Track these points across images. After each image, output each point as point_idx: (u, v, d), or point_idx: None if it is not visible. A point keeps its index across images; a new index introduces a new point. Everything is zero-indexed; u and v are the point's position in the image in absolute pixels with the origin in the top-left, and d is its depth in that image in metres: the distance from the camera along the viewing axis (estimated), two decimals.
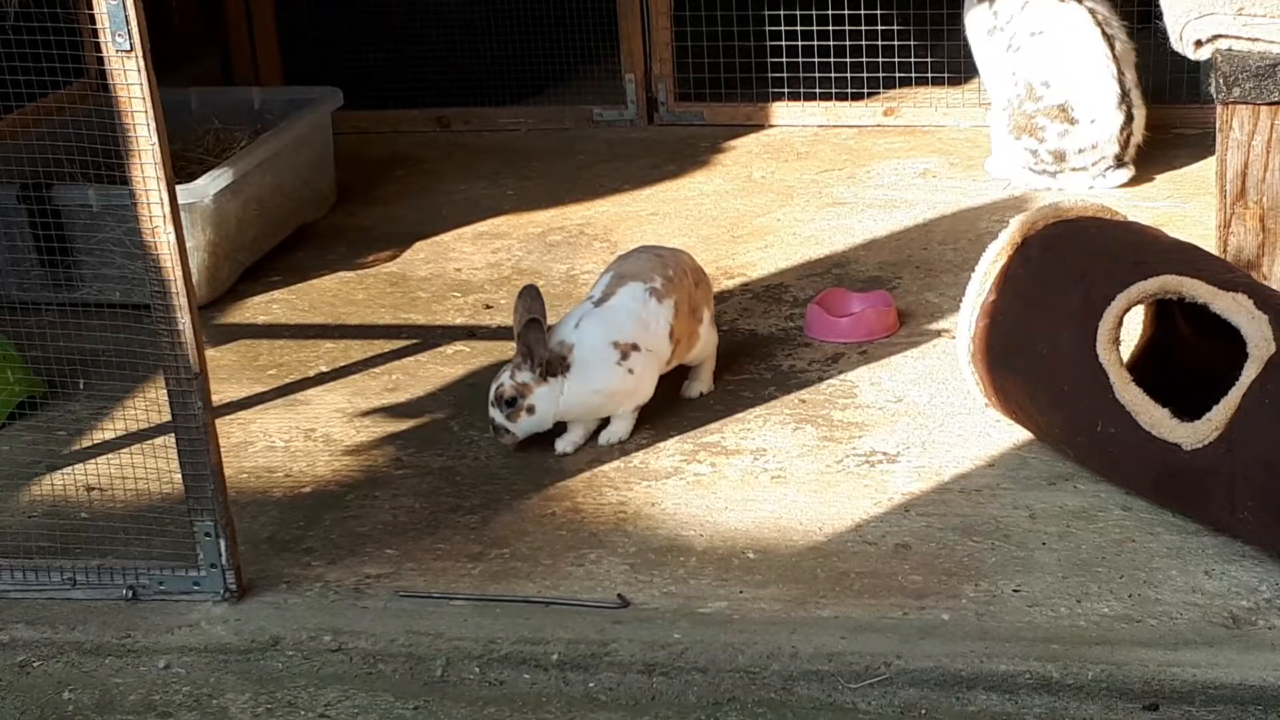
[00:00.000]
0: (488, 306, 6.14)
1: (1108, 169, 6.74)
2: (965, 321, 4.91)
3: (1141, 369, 4.64)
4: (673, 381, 5.25)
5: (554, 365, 4.83)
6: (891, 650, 4.00)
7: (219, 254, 6.17)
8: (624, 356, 4.89)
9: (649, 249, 5.28)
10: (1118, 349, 4.52)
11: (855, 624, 4.12)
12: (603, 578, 4.39)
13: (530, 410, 4.83)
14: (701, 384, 5.25)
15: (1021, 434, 4.91)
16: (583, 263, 6.46)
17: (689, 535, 4.55)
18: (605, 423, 5.01)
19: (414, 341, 5.87)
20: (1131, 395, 4.43)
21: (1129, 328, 4.65)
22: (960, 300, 4.99)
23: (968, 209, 6.70)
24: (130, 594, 4.37)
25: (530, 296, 4.87)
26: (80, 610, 4.35)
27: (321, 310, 6.20)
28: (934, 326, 5.70)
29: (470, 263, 6.55)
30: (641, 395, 4.98)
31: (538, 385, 4.82)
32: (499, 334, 5.89)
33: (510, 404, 4.82)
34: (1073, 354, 4.55)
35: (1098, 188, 6.68)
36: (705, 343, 5.19)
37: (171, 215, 4.04)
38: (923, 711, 3.83)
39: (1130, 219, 5.05)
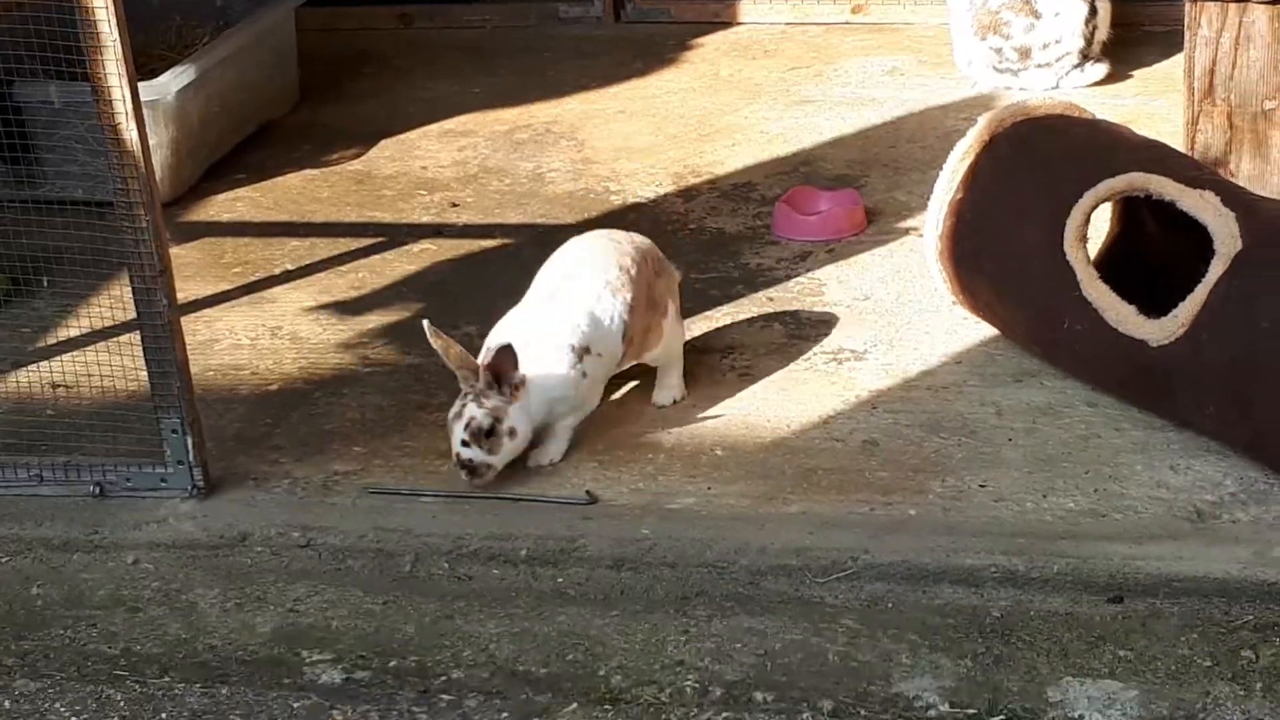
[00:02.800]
0: (454, 205, 6.11)
1: (1074, 66, 6.72)
2: (933, 219, 4.90)
3: (1108, 266, 4.64)
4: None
5: (515, 386, 4.33)
6: (859, 545, 4.03)
7: (182, 151, 6.12)
8: (579, 360, 4.42)
9: (604, 235, 4.76)
10: (1085, 246, 4.52)
11: (822, 520, 4.14)
12: (571, 474, 4.40)
13: (512, 433, 4.31)
14: (672, 390, 4.71)
15: (988, 331, 4.92)
16: (550, 161, 6.43)
17: (657, 432, 4.56)
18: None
19: (380, 239, 5.85)
20: (1098, 292, 4.44)
21: (1096, 225, 4.65)
22: (928, 198, 4.98)
23: (936, 107, 6.68)
24: (97, 490, 4.36)
25: (435, 334, 4.32)
26: (47, 506, 4.35)
27: (286, 208, 6.16)
28: (902, 224, 5.69)
29: (436, 160, 6.51)
30: (588, 405, 4.52)
31: (509, 405, 4.30)
32: (466, 232, 5.88)
33: (489, 434, 4.28)
34: (1040, 251, 4.55)
35: (1063, 86, 6.66)
36: (669, 339, 4.68)
37: (134, 112, 4.00)
38: (889, 605, 3.86)
39: (1098, 117, 5.04)
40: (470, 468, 4.28)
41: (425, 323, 4.29)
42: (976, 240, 4.79)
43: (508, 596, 3.97)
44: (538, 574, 4.04)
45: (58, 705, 3.68)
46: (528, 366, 4.33)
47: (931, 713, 3.52)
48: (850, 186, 5.95)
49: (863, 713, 3.53)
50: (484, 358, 4.32)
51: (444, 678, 3.71)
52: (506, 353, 4.27)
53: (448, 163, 6.48)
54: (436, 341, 4.29)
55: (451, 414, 4.30)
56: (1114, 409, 4.53)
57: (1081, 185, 4.52)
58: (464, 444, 4.27)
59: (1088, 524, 4.07)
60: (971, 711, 3.51)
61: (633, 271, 4.55)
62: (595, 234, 4.77)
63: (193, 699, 3.68)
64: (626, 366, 4.62)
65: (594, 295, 4.48)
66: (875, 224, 5.72)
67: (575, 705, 3.60)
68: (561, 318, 4.44)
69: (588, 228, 5.76)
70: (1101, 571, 3.90)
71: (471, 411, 4.27)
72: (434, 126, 6.83)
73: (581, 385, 4.43)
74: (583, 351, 4.41)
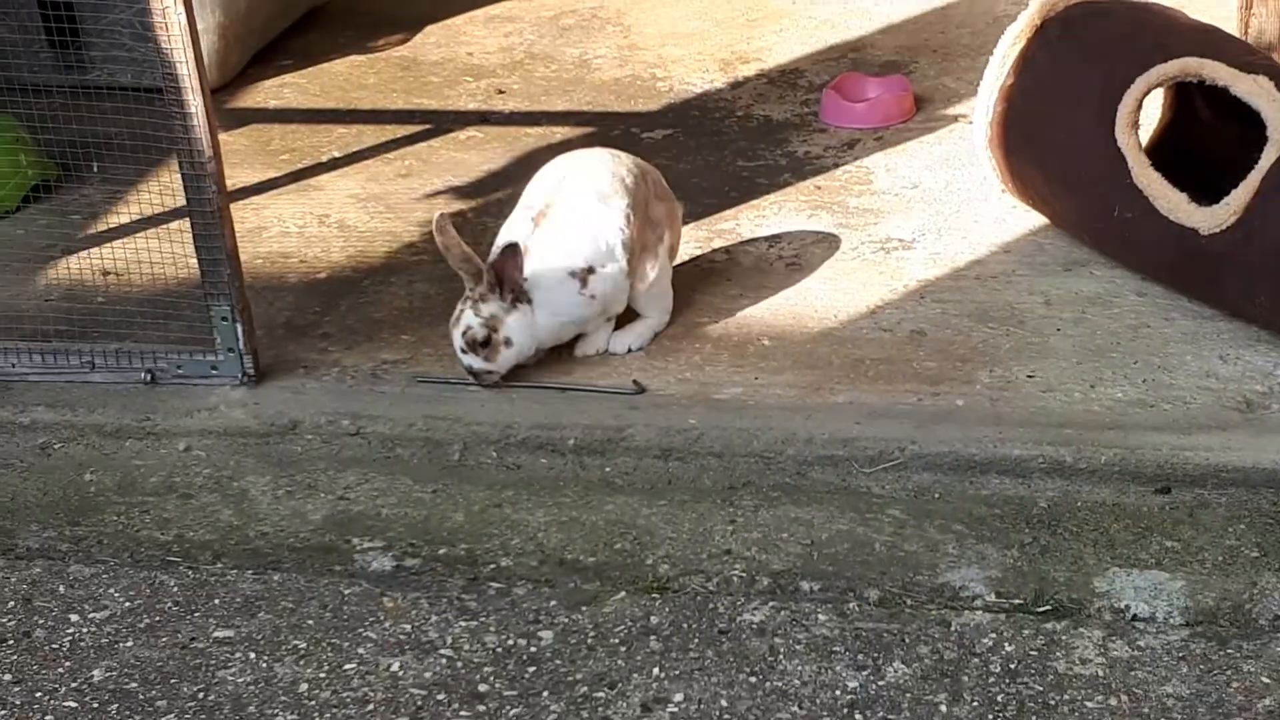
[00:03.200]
0: (500, 91, 6.08)
1: None
2: (983, 106, 4.86)
3: (1160, 153, 4.61)
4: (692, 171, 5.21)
5: (519, 293, 4.28)
6: (905, 435, 4.03)
7: (229, 37, 6.10)
8: (584, 284, 4.31)
9: (601, 150, 4.60)
10: (1136, 133, 4.48)
11: (870, 410, 4.14)
12: (618, 364, 4.41)
13: (508, 343, 4.25)
14: (629, 337, 4.49)
15: (1038, 219, 4.90)
16: (596, 47, 6.39)
17: (704, 322, 4.56)
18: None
19: (426, 126, 5.84)
20: (1149, 179, 4.40)
21: (1148, 111, 4.61)
22: (978, 85, 4.94)
23: None
24: (149, 377, 4.39)
25: (444, 222, 4.25)
26: (99, 394, 4.38)
27: (333, 95, 6.15)
28: (951, 111, 5.65)
29: (482, 46, 6.48)
30: (614, 309, 4.44)
31: (507, 315, 4.25)
32: (512, 119, 5.86)
33: (485, 344, 4.25)
34: (1091, 138, 4.51)
35: None
36: (654, 278, 4.48)
37: None
38: (936, 495, 3.87)
39: (1151, 1, 4.97)
40: (473, 373, 4.30)
41: (436, 215, 4.25)
42: (1027, 127, 4.75)
43: (555, 485, 3.99)
44: (585, 463, 4.06)
45: (111, 590, 3.73)
46: (535, 298, 4.28)
47: (978, 602, 3.54)
48: (899, 73, 5.91)
49: (909, 602, 3.55)
50: (491, 258, 4.28)
51: (492, 566, 3.74)
52: (511, 253, 4.21)
53: (493, 49, 6.45)
54: (441, 237, 4.23)
55: (452, 319, 4.29)
56: (1164, 298, 4.51)
57: (1133, 70, 4.48)
58: (462, 351, 4.28)
59: (1136, 414, 4.06)
60: (1018, 601, 3.53)
61: (628, 181, 4.41)
62: (593, 149, 4.63)
63: (245, 585, 3.72)
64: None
65: (587, 209, 4.35)
66: (924, 111, 5.68)
67: (623, 594, 3.63)
68: (557, 245, 4.32)
69: (635, 115, 5.78)
70: (1149, 462, 3.89)
71: (468, 320, 4.25)
72: (479, 12, 6.80)
73: (593, 305, 4.36)
74: (585, 275, 4.32)
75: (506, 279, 4.23)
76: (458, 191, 5.32)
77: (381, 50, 6.49)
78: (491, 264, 4.23)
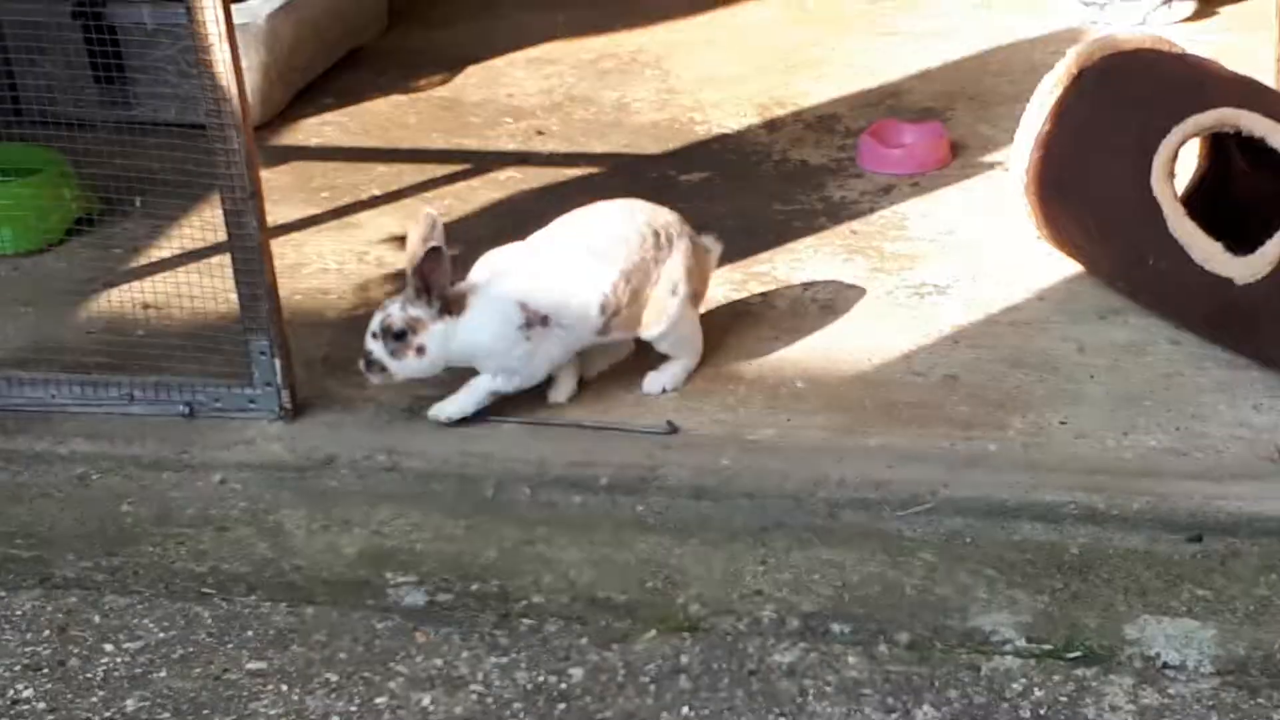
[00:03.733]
0: (540, 132, 6.13)
1: (1161, 2, 6.64)
2: (1019, 153, 4.88)
3: (1195, 203, 4.61)
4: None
5: (451, 303, 4.21)
6: (938, 479, 4.04)
7: (272, 75, 6.16)
8: (527, 324, 4.23)
9: (627, 205, 4.46)
10: (1172, 182, 4.49)
11: (902, 453, 4.15)
12: (652, 404, 4.43)
13: (420, 351, 4.19)
14: (664, 378, 4.46)
15: (1073, 267, 4.91)
16: (635, 90, 6.43)
17: (738, 364, 4.58)
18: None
19: (466, 166, 5.87)
20: (1185, 229, 4.41)
21: (1184, 161, 4.62)
22: (1014, 132, 4.95)
23: (1023, 40, 6.63)
24: (187, 410, 4.43)
25: (428, 224, 4.21)
26: (138, 426, 4.42)
27: (374, 133, 6.20)
28: (987, 159, 5.67)
29: (522, 88, 6.53)
30: (527, 376, 4.32)
31: (433, 323, 4.18)
32: (551, 160, 5.90)
33: (398, 337, 4.18)
34: (1127, 187, 4.53)
35: (1150, 22, 6.58)
36: (679, 323, 4.41)
37: (227, 34, 4.03)
38: (968, 540, 3.87)
39: (1187, 52, 4.99)
40: (367, 360, 4.23)
41: (426, 210, 4.23)
42: (1063, 175, 4.77)
43: (588, 524, 4.01)
44: (618, 502, 4.08)
45: (146, 621, 3.76)
46: (471, 306, 4.22)
47: (1008, 647, 3.54)
48: (935, 119, 5.93)
49: (939, 646, 3.56)
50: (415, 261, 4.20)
51: (524, 602, 3.76)
52: (434, 256, 4.14)
53: (533, 90, 6.49)
54: (414, 227, 4.19)
55: (378, 308, 4.27)
56: (1198, 347, 4.51)
57: (1170, 120, 4.49)
58: (373, 335, 4.22)
59: (1168, 462, 4.07)
60: (1048, 647, 3.53)
61: (636, 243, 4.31)
62: (626, 202, 4.49)
63: (278, 618, 3.74)
64: (611, 339, 4.41)
65: (574, 265, 4.28)
66: (960, 158, 5.70)
67: (653, 632, 3.64)
68: (529, 276, 4.26)
69: (672, 158, 5.82)
70: (1181, 510, 3.90)
71: (392, 309, 4.22)
72: (520, 54, 6.84)
73: (521, 348, 4.25)
74: (536, 318, 4.24)
75: (432, 284, 4.16)
76: (496, 231, 5.34)
77: (423, 90, 6.54)
78: (416, 267, 4.16)
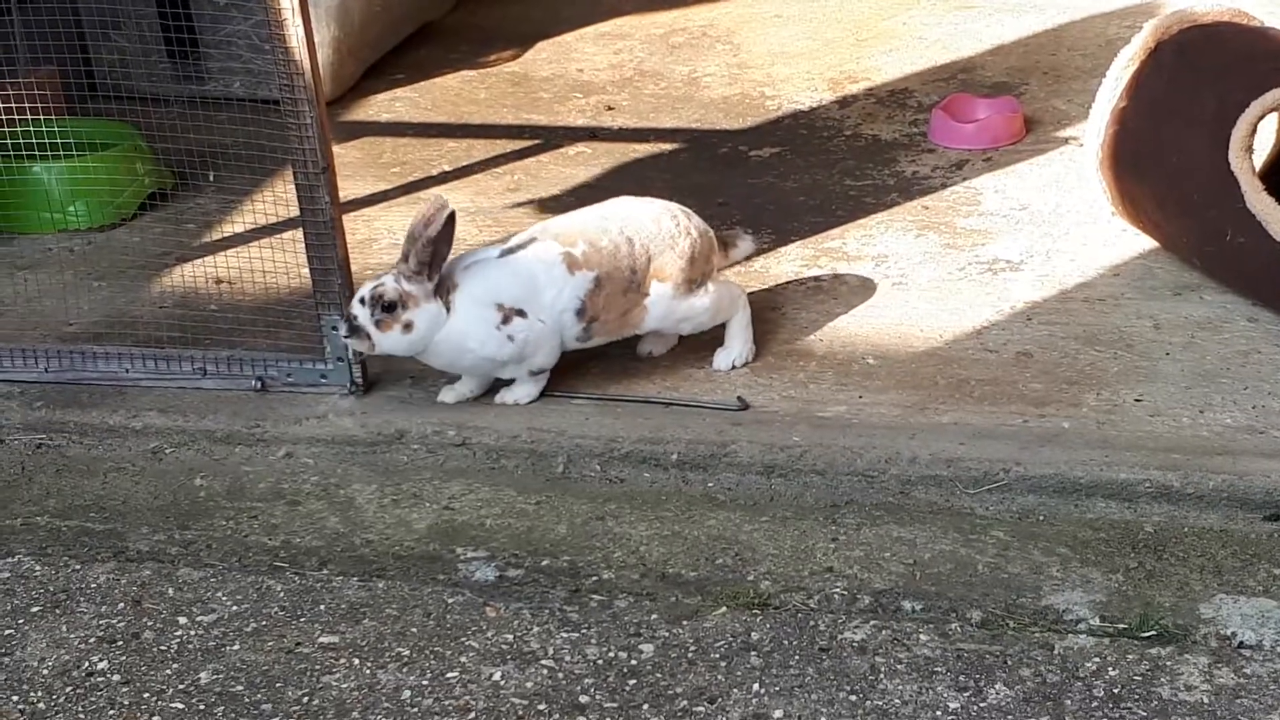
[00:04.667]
0: (609, 108, 6.12)
1: None
2: (1094, 128, 4.84)
3: (1274, 178, 4.56)
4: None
5: (441, 289, 4.16)
6: (1011, 457, 4.01)
7: (343, 50, 6.17)
8: (505, 321, 4.18)
9: (629, 202, 4.40)
10: (1250, 157, 4.45)
11: (974, 430, 4.12)
12: (722, 380, 4.42)
13: (407, 327, 4.12)
14: (732, 353, 4.44)
15: (1148, 243, 4.86)
16: (705, 65, 6.41)
17: (809, 340, 4.56)
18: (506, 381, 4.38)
19: (536, 142, 5.88)
20: (1263, 204, 4.36)
21: (1263, 135, 4.57)
22: (1089, 107, 4.92)
23: (1098, 14, 6.58)
24: (259, 385, 4.44)
25: (438, 204, 4.10)
26: (210, 400, 4.44)
27: (444, 109, 6.20)
28: (1061, 133, 5.63)
29: (592, 63, 6.52)
30: (535, 363, 4.28)
31: (426, 301, 4.12)
32: (620, 135, 5.89)
33: (388, 309, 4.11)
34: (1204, 161, 4.48)
35: None
36: (719, 305, 4.38)
37: (300, 9, 4.04)
38: (1040, 518, 3.85)
39: (1266, 24, 4.93)
40: (352, 325, 4.16)
41: (436, 194, 4.17)
42: (1139, 150, 4.72)
43: (658, 500, 4.01)
44: (688, 478, 4.07)
45: (219, 594, 3.78)
46: (453, 306, 4.16)
47: (1081, 626, 3.51)
48: (1009, 94, 5.89)
49: (1011, 624, 3.54)
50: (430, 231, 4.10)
51: (595, 578, 3.76)
52: (452, 224, 4.10)
53: (603, 65, 6.48)
54: (425, 208, 4.09)
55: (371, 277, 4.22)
56: (1275, 324, 4.46)
57: (1248, 94, 4.44)
58: (361, 301, 4.14)
59: (1245, 440, 4.02)
60: (1122, 626, 3.50)
61: (609, 250, 4.23)
62: (627, 200, 4.42)
63: (350, 591, 3.76)
64: (612, 340, 4.37)
65: (547, 264, 4.21)
66: (1034, 132, 5.66)
67: (724, 609, 3.63)
68: (501, 275, 4.21)
69: (743, 133, 5.79)
70: (1258, 489, 3.85)
71: (387, 280, 4.13)
72: (590, 29, 6.84)
73: (507, 347, 4.20)
74: (511, 314, 4.18)
75: (439, 256, 4.11)
76: (564, 206, 5.34)
77: (493, 66, 6.54)
78: (432, 235, 4.07)
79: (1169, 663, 3.41)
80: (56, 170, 5.29)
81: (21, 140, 5.06)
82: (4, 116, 4.93)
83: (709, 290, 4.36)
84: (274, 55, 4.11)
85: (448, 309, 4.17)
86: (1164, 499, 3.86)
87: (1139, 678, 3.37)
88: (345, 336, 4.22)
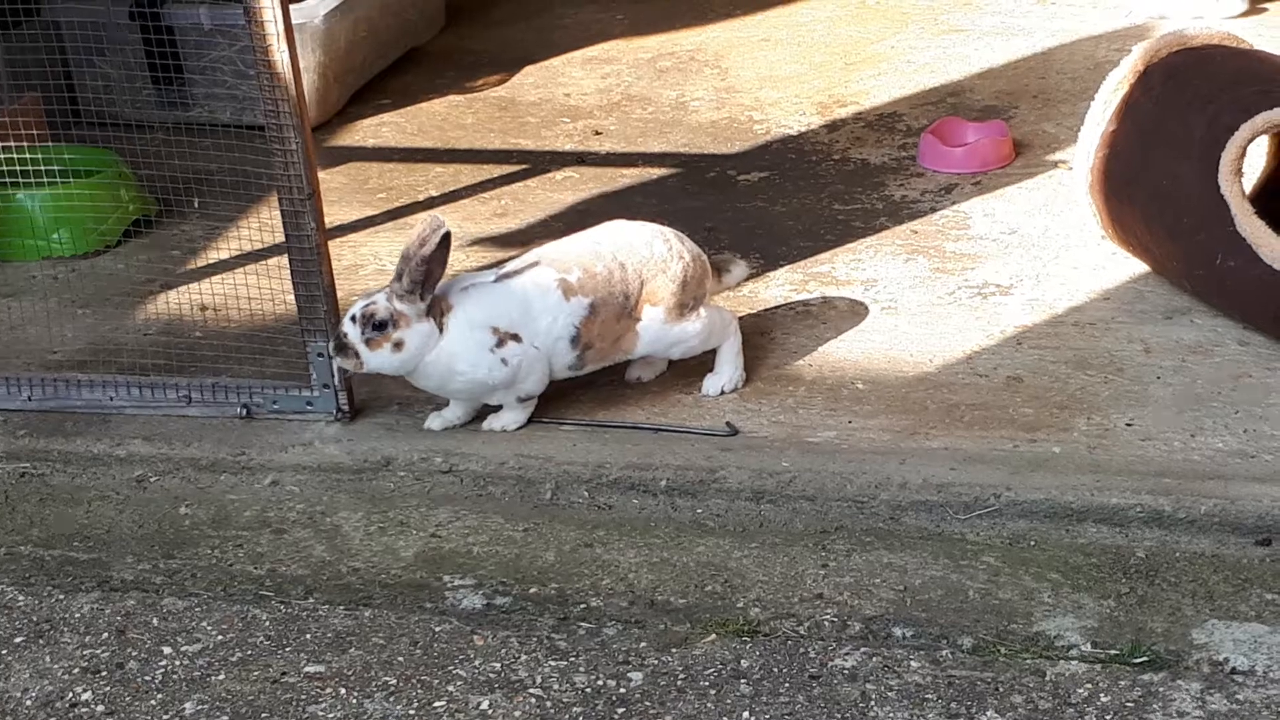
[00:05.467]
0: (597, 133, 6.10)
1: None
2: (1084, 151, 4.83)
3: (1264, 201, 4.55)
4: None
5: (433, 310, 4.14)
6: (1001, 482, 3.99)
7: (329, 76, 6.15)
8: (499, 344, 4.15)
9: (622, 227, 4.38)
10: (1240, 180, 4.43)
11: (965, 455, 4.10)
12: (711, 405, 4.39)
13: (398, 346, 4.10)
14: (721, 379, 4.41)
15: (1138, 266, 4.85)
16: (693, 89, 6.40)
17: (798, 365, 4.54)
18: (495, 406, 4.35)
19: (523, 166, 5.86)
20: (1253, 228, 4.35)
21: (1252, 159, 4.56)
22: (1078, 130, 4.91)
23: (1086, 37, 6.57)
24: (244, 412, 4.42)
25: (434, 223, 4.07)
26: (195, 427, 4.41)
27: (431, 134, 6.18)
28: (1050, 157, 5.62)
29: (580, 88, 6.50)
30: (525, 389, 4.25)
31: (418, 321, 4.10)
32: (609, 160, 5.87)
33: (378, 327, 4.08)
34: (1194, 185, 4.47)
35: (1208, 16, 6.51)
36: (711, 330, 4.35)
37: (286, 34, 4.02)
38: (1032, 543, 3.82)
39: (1256, 48, 4.92)
40: (340, 343, 4.13)
41: (432, 215, 4.11)
42: (1128, 173, 4.71)
43: (647, 526, 3.98)
44: (677, 504, 4.05)
45: (204, 624, 3.74)
46: (446, 327, 4.14)
47: (1073, 652, 3.49)
48: (998, 118, 5.88)
49: (1003, 650, 3.51)
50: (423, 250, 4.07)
51: (583, 605, 3.73)
52: (446, 245, 4.07)
53: (591, 90, 6.47)
54: (420, 227, 4.07)
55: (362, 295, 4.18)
56: (1266, 347, 4.44)
57: (1237, 117, 4.43)
58: (351, 319, 4.12)
59: (1236, 465, 4.00)
60: (1114, 652, 3.48)
61: (605, 276, 4.21)
62: (617, 224, 4.40)
63: (336, 620, 3.73)
64: (604, 365, 4.35)
65: (543, 289, 4.18)
66: (1023, 156, 5.65)
67: (713, 636, 3.61)
68: (497, 299, 4.18)
69: (731, 158, 5.78)
70: (1250, 513, 3.83)
71: (379, 299, 4.10)
72: (577, 53, 6.83)
73: (500, 371, 4.17)
74: (506, 338, 4.16)
75: (433, 277, 4.08)
76: (552, 231, 5.32)
77: (480, 90, 6.53)
78: (425, 255, 4.04)
79: (1161, 689, 3.38)
80: (40, 197, 5.27)
81: (5, 167, 5.03)
82: None
83: (701, 315, 4.33)
84: (259, 81, 4.09)
85: (440, 330, 4.14)
86: (1155, 524, 3.84)
87: (1131, 704, 3.35)
88: (333, 354, 4.18)
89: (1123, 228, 4.80)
